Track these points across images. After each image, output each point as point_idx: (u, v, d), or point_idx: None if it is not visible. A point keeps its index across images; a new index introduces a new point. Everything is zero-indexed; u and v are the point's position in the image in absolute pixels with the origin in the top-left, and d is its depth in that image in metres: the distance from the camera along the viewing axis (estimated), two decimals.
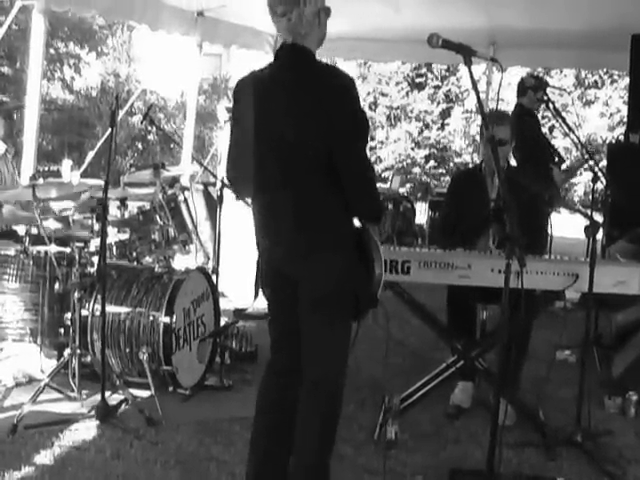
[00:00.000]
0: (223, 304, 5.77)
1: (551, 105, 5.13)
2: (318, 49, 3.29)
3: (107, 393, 4.46)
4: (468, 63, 3.18)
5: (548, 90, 6.26)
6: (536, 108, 7.45)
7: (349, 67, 17.76)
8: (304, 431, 3.34)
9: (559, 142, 17.77)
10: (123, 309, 4.80)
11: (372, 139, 18.96)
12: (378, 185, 3.62)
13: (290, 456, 3.42)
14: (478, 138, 6.11)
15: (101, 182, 4.71)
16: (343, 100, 3.14)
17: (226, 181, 3.65)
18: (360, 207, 3.27)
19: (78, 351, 4.64)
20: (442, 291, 4.91)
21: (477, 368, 4.66)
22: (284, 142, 3.19)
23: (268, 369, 3.57)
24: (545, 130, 17.87)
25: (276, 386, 3.51)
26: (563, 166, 7.62)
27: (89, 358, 4.76)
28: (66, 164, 6.00)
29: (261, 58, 10.90)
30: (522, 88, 7.12)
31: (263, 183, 3.33)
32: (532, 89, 6.89)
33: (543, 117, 17.66)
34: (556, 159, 7.59)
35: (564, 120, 4.96)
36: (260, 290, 3.60)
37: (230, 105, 3.49)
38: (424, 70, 19.47)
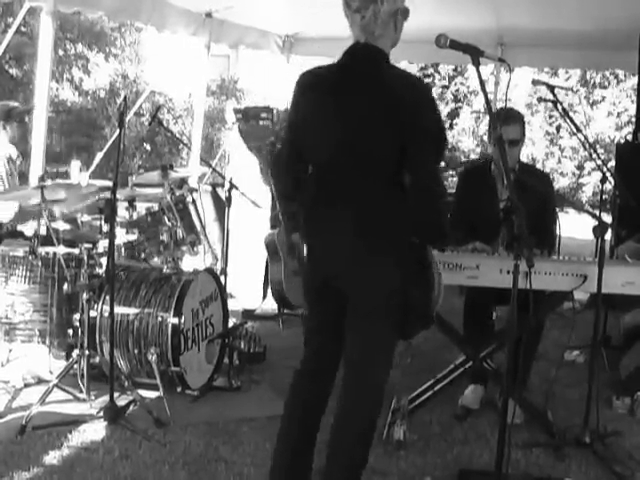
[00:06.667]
0: (231, 305, 5.77)
1: (559, 106, 5.07)
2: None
3: (115, 394, 4.46)
4: (476, 63, 3.15)
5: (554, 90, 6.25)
6: None
7: None
8: (335, 449, 3.19)
9: (566, 142, 17.76)
10: (132, 310, 4.80)
11: None
12: None
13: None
14: (486, 138, 6.07)
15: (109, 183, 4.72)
16: (423, 105, 3.00)
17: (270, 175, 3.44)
18: (421, 225, 3.09)
19: (87, 352, 4.65)
20: (448, 292, 4.88)
21: (486, 369, 4.65)
22: (352, 148, 3.03)
23: (300, 375, 3.41)
24: (552, 129, 17.91)
25: (308, 391, 3.36)
26: None
27: (98, 359, 4.77)
28: (74, 165, 6.00)
29: (268, 58, 10.93)
30: None
31: (323, 192, 3.18)
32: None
33: (550, 116, 17.71)
34: None
35: (572, 120, 4.92)
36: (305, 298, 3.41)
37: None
38: (431, 70, 19.41)
